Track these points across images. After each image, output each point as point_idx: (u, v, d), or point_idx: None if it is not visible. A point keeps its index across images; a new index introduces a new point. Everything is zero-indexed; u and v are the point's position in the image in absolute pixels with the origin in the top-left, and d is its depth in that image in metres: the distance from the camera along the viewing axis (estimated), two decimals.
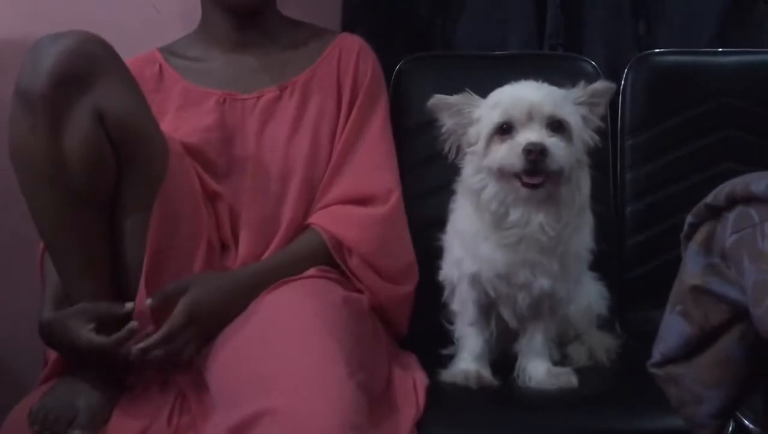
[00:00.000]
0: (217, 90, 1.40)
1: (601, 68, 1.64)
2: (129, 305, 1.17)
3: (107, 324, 1.15)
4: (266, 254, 1.32)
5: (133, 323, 1.14)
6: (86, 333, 1.13)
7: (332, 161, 1.38)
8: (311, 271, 1.29)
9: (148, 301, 1.17)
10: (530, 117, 1.17)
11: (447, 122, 1.25)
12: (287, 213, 1.35)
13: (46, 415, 1.11)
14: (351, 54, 1.46)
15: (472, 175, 1.24)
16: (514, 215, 1.20)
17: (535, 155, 1.15)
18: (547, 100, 1.18)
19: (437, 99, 1.25)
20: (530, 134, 1.16)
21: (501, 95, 1.22)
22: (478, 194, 1.22)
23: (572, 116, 1.20)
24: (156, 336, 1.14)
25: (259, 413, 0.99)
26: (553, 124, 1.18)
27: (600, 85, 1.24)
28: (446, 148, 1.26)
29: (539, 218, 1.20)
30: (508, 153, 1.17)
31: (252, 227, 1.33)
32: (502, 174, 1.19)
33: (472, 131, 1.23)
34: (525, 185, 1.17)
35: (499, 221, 1.21)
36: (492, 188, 1.21)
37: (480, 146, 1.21)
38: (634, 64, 1.65)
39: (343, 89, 1.43)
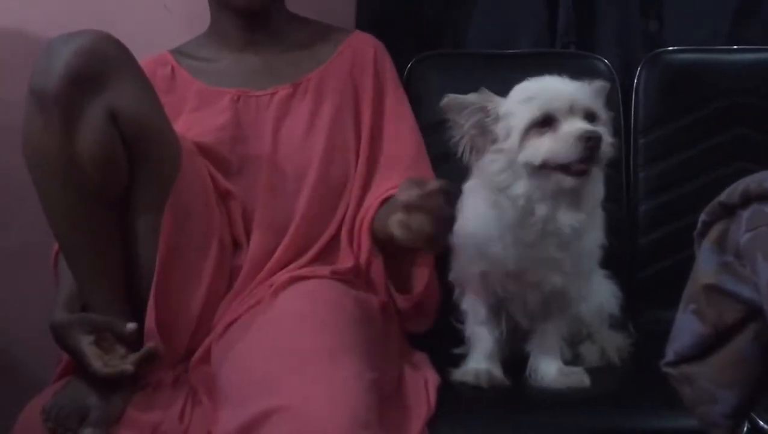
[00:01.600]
0: (230, 88, 1.41)
1: (614, 66, 1.64)
2: (131, 325, 1.16)
3: (107, 338, 1.15)
4: (278, 252, 1.31)
5: (150, 345, 1.14)
6: (86, 346, 1.13)
7: (385, 151, 1.39)
8: (322, 271, 1.29)
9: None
10: (571, 110, 1.15)
11: (461, 122, 1.20)
12: (300, 210, 1.35)
13: (59, 413, 1.12)
14: (366, 52, 1.46)
15: (497, 173, 1.19)
16: (540, 210, 1.18)
17: (594, 141, 1.13)
18: (582, 94, 1.17)
19: (451, 99, 1.20)
20: (580, 124, 1.15)
21: (534, 89, 1.19)
22: (504, 191, 1.19)
23: (602, 110, 1.20)
24: (432, 186, 1.11)
25: (268, 411, 0.99)
26: (589, 116, 1.17)
27: (596, 84, 1.23)
28: (460, 149, 1.22)
29: (562, 212, 1.18)
30: (556, 144, 1.14)
31: (265, 224, 1.33)
32: (542, 168, 1.16)
33: (500, 128, 1.19)
34: (574, 172, 1.15)
35: (523, 218, 1.19)
36: (522, 184, 1.18)
37: (513, 141, 1.17)
38: (647, 62, 1.65)
39: (360, 88, 1.43)
